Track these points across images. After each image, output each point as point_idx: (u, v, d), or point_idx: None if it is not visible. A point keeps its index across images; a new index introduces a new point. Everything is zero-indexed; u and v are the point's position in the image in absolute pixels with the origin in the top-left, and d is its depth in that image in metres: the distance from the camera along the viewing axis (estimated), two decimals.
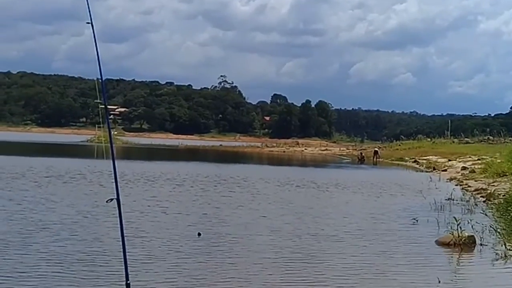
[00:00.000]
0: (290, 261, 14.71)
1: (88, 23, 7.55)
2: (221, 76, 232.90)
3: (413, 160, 71.57)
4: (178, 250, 15.44)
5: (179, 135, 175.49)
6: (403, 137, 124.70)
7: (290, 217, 22.47)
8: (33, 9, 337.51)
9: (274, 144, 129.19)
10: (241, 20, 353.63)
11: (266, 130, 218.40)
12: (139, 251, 14.79)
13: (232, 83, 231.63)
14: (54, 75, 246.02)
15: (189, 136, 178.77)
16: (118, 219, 7.84)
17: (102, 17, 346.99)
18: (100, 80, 7.58)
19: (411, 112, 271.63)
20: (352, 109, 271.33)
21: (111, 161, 7.78)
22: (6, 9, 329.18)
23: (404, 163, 71.40)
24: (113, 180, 7.60)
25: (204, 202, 26.22)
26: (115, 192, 7.75)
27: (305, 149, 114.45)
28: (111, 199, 7.68)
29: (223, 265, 14.00)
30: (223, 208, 24.17)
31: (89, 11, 7.46)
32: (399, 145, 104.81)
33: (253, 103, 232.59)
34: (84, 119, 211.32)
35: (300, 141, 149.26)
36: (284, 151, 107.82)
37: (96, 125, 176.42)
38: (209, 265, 13.95)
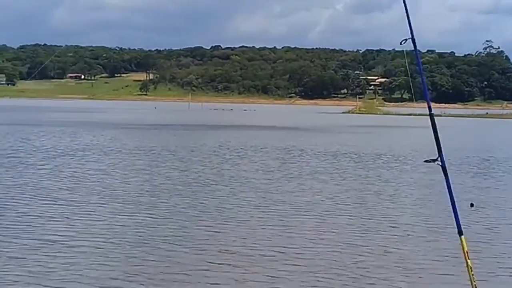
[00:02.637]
0: None
1: None
2: (487, 41, 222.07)
3: None
4: None
5: (442, 104, 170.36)
6: None
7: None
8: None
9: None
10: None
11: None
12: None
13: (499, 48, 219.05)
14: (316, 48, 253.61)
15: (452, 105, 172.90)
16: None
17: None
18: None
19: None
20: None
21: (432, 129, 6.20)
22: None
23: None
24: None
25: None
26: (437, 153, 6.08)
27: None
28: (433, 160, 5.99)
29: None
30: None
31: None
32: None
33: None
34: (345, 91, 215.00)
35: None
36: None
37: (357, 96, 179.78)
38: None
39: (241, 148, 32.92)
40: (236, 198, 17.20)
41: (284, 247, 11.80)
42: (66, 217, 14.01)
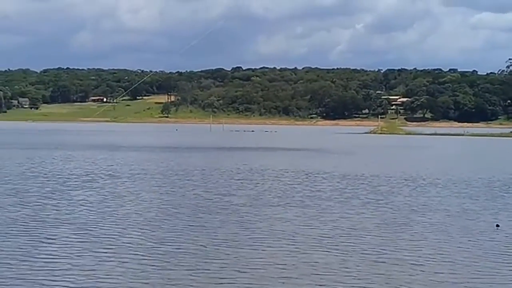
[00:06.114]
0: None
1: None
2: (510, 59, 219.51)
3: None
4: None
5: (464, 123, 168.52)
6: None
7: None
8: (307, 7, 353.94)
9: None
10: None
11: None
12: None
13: None
14: (337, 68, 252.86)
15: (474, 124, 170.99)
16: None
17: (377, 8, 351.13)
18: None
19: None
20: None
21: None
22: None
23: None
24: None
25: None
26: None
27: None
28: None
29: None
30: None
31: None
32: None
33: None
34: (366, 111, 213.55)
35: None
36: None
37: (379, 116, 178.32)
38: None
39: (256, 173, 32.11)
40: (241, 229, 16.35)
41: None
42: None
